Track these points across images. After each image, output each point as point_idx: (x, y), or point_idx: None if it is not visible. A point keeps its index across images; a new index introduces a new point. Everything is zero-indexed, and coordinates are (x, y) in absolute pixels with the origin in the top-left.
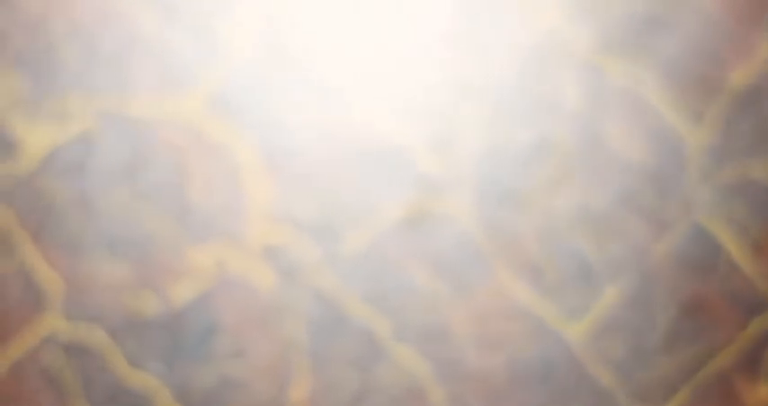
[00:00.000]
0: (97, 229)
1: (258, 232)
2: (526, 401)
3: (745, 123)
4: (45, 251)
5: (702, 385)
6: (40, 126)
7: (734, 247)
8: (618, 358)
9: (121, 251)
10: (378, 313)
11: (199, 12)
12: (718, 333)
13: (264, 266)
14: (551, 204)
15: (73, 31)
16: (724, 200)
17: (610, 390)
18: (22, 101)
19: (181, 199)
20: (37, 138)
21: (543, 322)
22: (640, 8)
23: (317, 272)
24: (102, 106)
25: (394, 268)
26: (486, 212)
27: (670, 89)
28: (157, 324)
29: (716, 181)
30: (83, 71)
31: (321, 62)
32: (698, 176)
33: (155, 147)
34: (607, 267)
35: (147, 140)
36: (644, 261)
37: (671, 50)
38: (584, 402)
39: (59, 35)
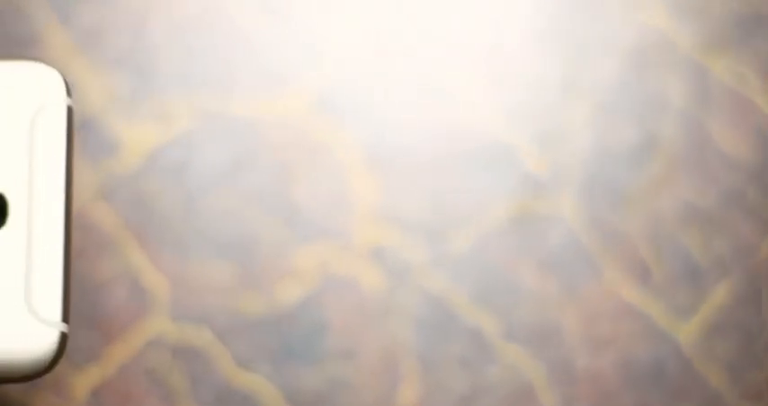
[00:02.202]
0: (202, 230)
1: (364, 232)
2: (637, 401)
3: None
4: (150, 253)
5: None
6: (141, 126)
7: None
8: (727, 358)
9: (227, 252)
10: (486, 313)
11: (302, 10)
12: None
13: (371, 266)
14: (658, 203)
15: (174, 31)
16: None
17: (719, 390)
18: (124, 101)
19: (286, 200)
20: (139, 139)
21: (652, 321)
22: (744, 6)
23: (425, 272)
24: (205, 106)
25: (502, 268)
26: (592, 211)
27: None
28: (264, 325)
29: None
30: (184, 70)
31: (426, 61)
32: None
33: (258, 147)
34: (715, 266)
35: (251, 140)
36: (752, 260)
37: None
38: (694, 402)
39: (160, 34)
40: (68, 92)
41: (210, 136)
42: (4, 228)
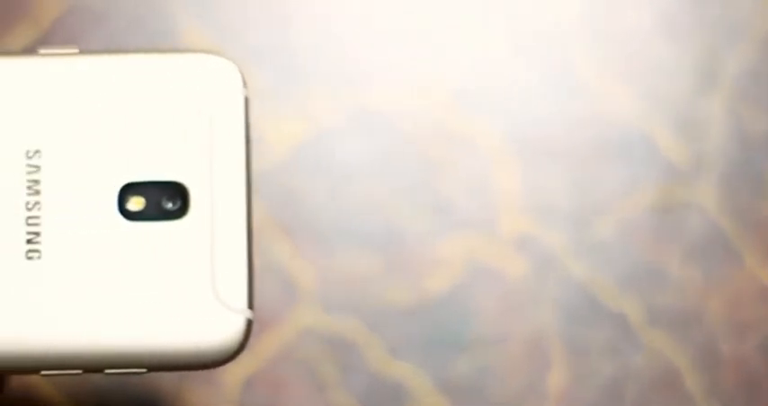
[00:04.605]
0: (348, 222)
1: (509, 221)
2: None
3: None
4: (298, 246)
5: None
6: (285, 121)
7: None
8: None
9: (374, 243)
10: (631, 299)
11: (440, 8)
12: None
13: (516, 255)
14: None
15: (314, 27)
16: None
17: None
18: (267, 97)
19: (431, 191)
20: (283, 133)
21: None
22: None
23: (569, 260)
24: (347, 100)
25: (645, 254)
26: (732, 198)
27: None
28: (413, 314)
29: None
30: (326, 66)
31: (561, 51)
32: None
33: (402, 140)
34: None
35: (394, 133)
36: None
37: None
38: None
39: (301, 29)
40: (244, 83)
41: (354, 130)
42: (187, 217)
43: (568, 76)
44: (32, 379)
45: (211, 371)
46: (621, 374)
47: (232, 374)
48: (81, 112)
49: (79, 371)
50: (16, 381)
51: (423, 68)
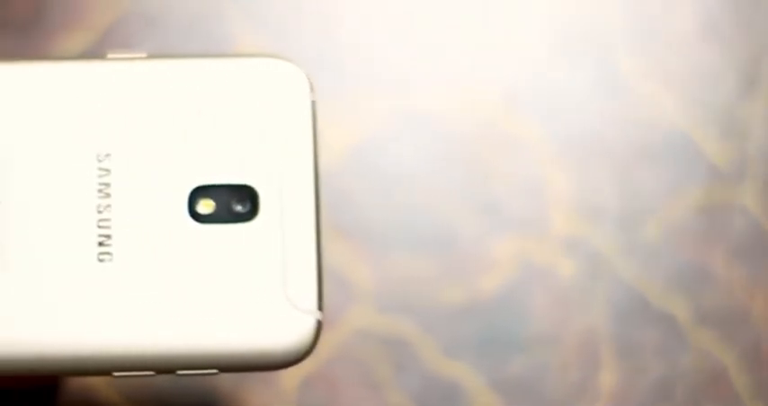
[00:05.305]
0: (402, 224)
1: (560, 222)
2: None
3: None
4: (353, 247)
5: None
6: (337, 125)
7: None
8: None
9: (427, 244)
10: (678, 299)
11: (488, 9)
12: None
13: (567, 255)
14: None
15: (363, 30)
16: None
17: None
18: (319, 100)
19: (483, 192)
20: (336, 136)
21: None
22: None
23: (618, 260)
24: (400, 102)
25: (691, 255)
26: None
27: None
28: (467, 314)
29: None
30: (378, 67)
31: (611, 54)
32: None
33: (454, 142)
34: None
35: (446, 135)
36: None
37: None
38: None
39: (353, 33)
40: (311, 88)
41: (406, 132)
42: (256, 220)
43: (613, 78)
44: (90, 381)
45: (269, 372)
46: (671, 373)
47: (289, 374)
48: (150, 116)
49: (152, 372)
50: (74, 383)
51: (472, 70)
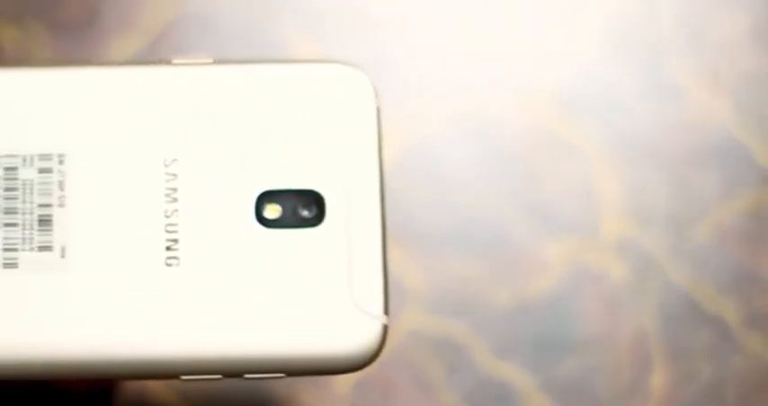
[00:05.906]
0: (454, 227)
1: (610, 225)
2: None
3: None
4: (406, 249)
5: None
6: (391, 126)
7: None
8: None
9: (479, 247)
10: (729, 302)
11: (541, 13)
12: None
13: (618, 258)
14: None
15: (414, 35)
16: None
17: None
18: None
19: (534, 196)
20: (389, 139)
21: None
22: None
23: (669, 263)
24: (453, 106)
25: (741, 258)
26: None
27: None
28: (518, 316)
29: None
30: (432, 71)
31: (662, 58)
32: None
33: (505, 146)
34: None
35: (498, 139)
36: None
37: None
38: None
39: (405, 36)
40: (376, 93)
41: (458, 135)
42: (323, 225)
43: (665, 82)
44: (148, 381)
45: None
46: (722, 375)
47: (343, 377)
48: (217, 121)
49: (219, 376)
50: (131, 383)
51: (525, 74)
